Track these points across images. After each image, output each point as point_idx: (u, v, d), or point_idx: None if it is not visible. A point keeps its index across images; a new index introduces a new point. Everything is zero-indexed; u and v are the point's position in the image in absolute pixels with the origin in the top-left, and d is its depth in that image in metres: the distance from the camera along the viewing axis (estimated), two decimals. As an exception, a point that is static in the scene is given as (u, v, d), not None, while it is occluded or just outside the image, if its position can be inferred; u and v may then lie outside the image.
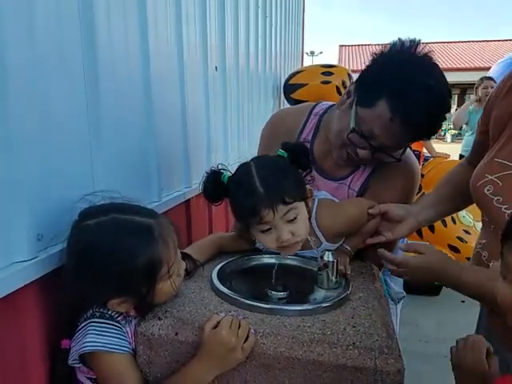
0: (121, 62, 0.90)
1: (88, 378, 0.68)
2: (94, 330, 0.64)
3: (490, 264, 0.77)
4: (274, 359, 0.61)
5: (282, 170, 0.80)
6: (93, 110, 0.79)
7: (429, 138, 0.97)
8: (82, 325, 0.66)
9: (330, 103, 1.12)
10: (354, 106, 0.89)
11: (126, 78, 0.92)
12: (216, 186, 0.82)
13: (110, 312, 0.66)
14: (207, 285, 0.80)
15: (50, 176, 0.68)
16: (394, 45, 0.88)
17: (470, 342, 0.67)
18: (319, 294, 0.78)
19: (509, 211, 0.72)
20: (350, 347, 0.61)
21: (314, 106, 1.11)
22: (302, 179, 0.85)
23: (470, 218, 2.46)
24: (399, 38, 0.88)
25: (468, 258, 0.88)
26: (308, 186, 0.86)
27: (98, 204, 0.70)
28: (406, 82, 0.82)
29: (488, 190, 0.78)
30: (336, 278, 0.79)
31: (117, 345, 0.64)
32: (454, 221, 2.42)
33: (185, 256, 0.81)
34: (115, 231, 0.65)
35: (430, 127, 0.89)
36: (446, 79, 0.87)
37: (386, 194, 0.97)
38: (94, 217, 0.66)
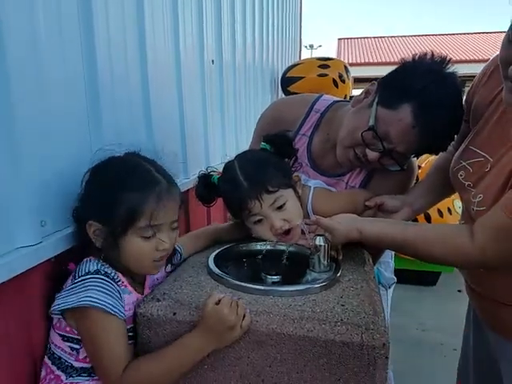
0: (118, 60, 0.92)
1: (61, 335, 0.68)
2: (99, 286, 0.64)
3: None
4: (267, 336, 0.65)
5: (263, 162, 0.85)
6: (90, 89, 0.82)
7: (436, 154, 0.98)
8: (83, 278, 0.65)
9: (332, 99, 1.11)
10: (374, 105, 0.88)
11: (123, 74, 0.95)
12: (207, 187, 0.89)
13: (112, 274, 0.68)
14: (204, 269, 0.83)
15: (50, 162, 0.71)
16: (424, 55, 0.88)
17: None
18: (311, 276, 0.81)
19: (478, 195, 0.76)
20: (339, 323, 0.64)
21: (315, 101, 1.09)
22: (286, 167, 0.88)
23: (465, 209, 2.50)
24: (431, 51, 0.88)
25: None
26: (295, 174, 0.89)
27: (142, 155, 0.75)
28: (435, 95, 0.82)
29: (461, 176, 0.82)
30: (327, 261, 0.83)
31: (117, 307, 0.65)
32: (450, 211, 2.45)
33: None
34: (129, 165, 0.70)
35: (442, 145, 0.91)
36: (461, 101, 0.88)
37: (384, 188, 0.99)
38: (127, 155, 0.73)
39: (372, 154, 0.89)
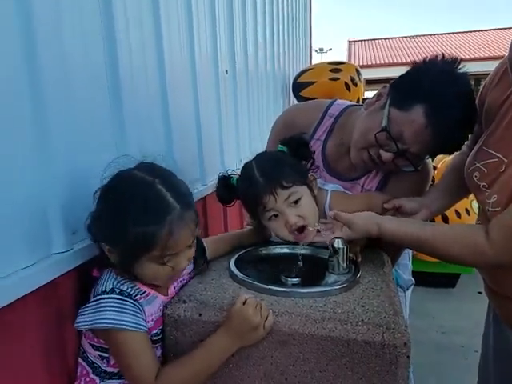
0: (139, 74, 0.97)
1: (91, 344, 0.72)
2: (114, 306, 0.66)
3: None
4: (289, 336, 0.67)
5: (278, 160, 0.89)
6: (115, 106, 0.86)
7: (450, 154, 0.98)
8: (99, 298, 0.67)
9: (346, 103, 1.12)
10: (387, 107, 0.89)
11: (144, 88, 0.99)
12: (227, 189, 0.92)
13: (128, 290, 0.69)
14: (226, 272, 0.86)
15: (80, 176, 0.76)
16: (435, 56, 0.89)
17: None
18: (330, 278, 0.83)
19: (492, 195, 0.77)
20: (360, 323, 0.66)
21: (329, 106, 1.11)
22: (302, 166, 0.91)
23: (483, 209, 2.47)
24: (442, 53, 0.90)
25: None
26: (311, 173, 0.92)
27: (158, 165, 0.71)
28: (447, 95, 0.83)
29: (476, 177, 0.82)
30: (346, 263, 0.84)
31: (135, 323, 0.66)
32: (468, 212, 2.43)
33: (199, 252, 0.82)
34: (141, 190, 0.65)
35: (456, 145, 0.92)
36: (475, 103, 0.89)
37: (400, 191, 0.99)
38: (140, 170, 0.68)
39: (386, 155, 0.90)
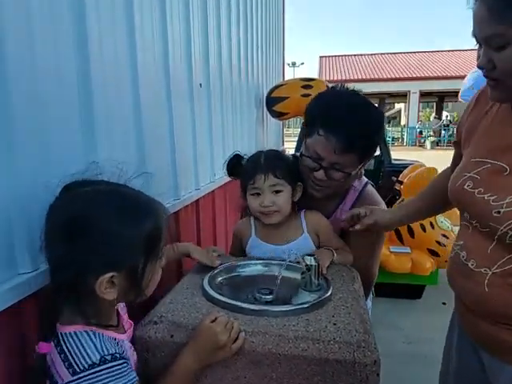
0: (111, 87, 0.95)
1: None
2: (112, 376, 0.56)
3: (469, 263, 0.83)
4: (263, 356, 0.67)
5: (282, 157, 1.10)
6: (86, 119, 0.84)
7: (366, 156, 1.08)
8: (87, 373, 0.55)
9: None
10: (304, 139, 1.09)
11: (116, 102, 0.98)
12: (236, 164, 1.10)
13: (113, 348, 0.59)
14: (199, 291, 0.85)
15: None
16: (335, 86, 1.13)
17: None
18: (303, 296, 0.84)
19: (492, 198, 0.78)
20: (331, 342, 0.67)
21: None
22: (298, 173, 1.09)
23: (447, 223, 2.57)
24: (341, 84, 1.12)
25: (447, 261, 0.95)
26: (299, 183, 1.08)
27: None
28: (331, 107, 1.03)
29: (468, 186, 0.84)
30: (318, 280, 0.86)
31: (134, 379, 0.59)
32: (432, 226, 2.53)
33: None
34: (119, 197, 0.60)
35: (361, 144, 1.02)
36: (372, 107, 1.08)
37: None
38: (87, 186, 0.61)
39: (318, 174, 1.05)
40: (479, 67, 0.76)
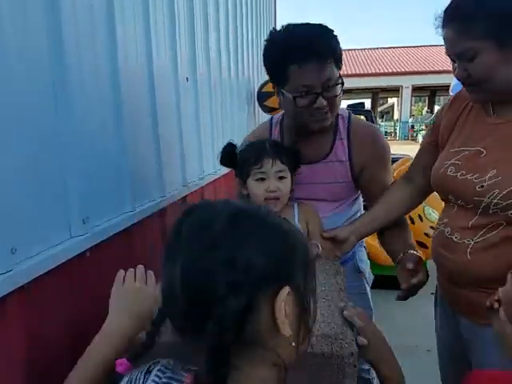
0: (90, 79, 0.94)
1: None
2: None
3: (453, 237, 0.91)
4: (241, 350, 0.67)
5: (285, 147, 1.11)
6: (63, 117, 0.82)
7: (340, 60, 1.07)
8: None
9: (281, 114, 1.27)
10: (281, 91, 1.08)
11: (95, 94, 0.96)
12: (228, 153, 1.08)
13: None
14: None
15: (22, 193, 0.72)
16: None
17: None
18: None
19: (474, 177, 0.87)
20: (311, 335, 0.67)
21: (271, 118, 1.30)
22: (297, 162, 1.10)
23: (435, 215, 2.60)
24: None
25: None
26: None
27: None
28: (291, 39, 1.01)
29: (451, 171, 0.93)
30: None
31: None
32: (421, 218, 2.55)
33: None
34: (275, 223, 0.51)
35: (334, 48, 1.03)
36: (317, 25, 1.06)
37: (364, 157, 1.14)
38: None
39: (320, 102, 1.03)
40: (457, 78, 0.88)
